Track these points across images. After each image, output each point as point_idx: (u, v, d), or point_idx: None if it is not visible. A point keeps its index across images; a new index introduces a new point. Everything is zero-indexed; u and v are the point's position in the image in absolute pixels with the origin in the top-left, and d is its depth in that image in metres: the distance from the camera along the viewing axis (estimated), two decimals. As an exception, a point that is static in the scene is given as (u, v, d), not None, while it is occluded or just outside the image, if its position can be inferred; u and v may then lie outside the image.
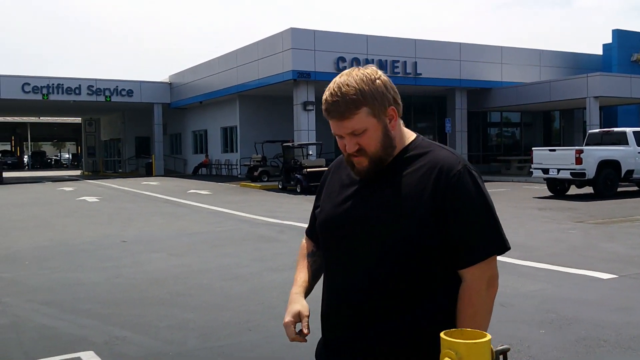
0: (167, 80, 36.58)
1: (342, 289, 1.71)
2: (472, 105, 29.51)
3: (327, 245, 1.79)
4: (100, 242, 10.13)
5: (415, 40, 26.97)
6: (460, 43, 28.19)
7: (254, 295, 6.23)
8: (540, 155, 17.69)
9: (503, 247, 1.68)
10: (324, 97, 1.70)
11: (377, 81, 1.68)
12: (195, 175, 33.07)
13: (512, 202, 15.68)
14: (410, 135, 1.78)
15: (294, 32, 24.53)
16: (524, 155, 30.25)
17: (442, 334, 1.29)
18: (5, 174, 33.84)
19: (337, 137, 1.74)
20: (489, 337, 1.27)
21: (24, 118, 54.27)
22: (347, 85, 1.65)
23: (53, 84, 31.86)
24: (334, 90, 1.67)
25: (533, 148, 18.77)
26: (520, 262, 7.59)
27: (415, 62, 26.51)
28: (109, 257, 8.66)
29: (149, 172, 34.67)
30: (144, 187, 24.05)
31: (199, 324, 5.20)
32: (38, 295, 6.44)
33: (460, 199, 1.64)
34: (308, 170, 20.22)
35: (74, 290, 6.63)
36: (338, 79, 1.68)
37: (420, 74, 26.62)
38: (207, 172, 33.54)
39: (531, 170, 18.23)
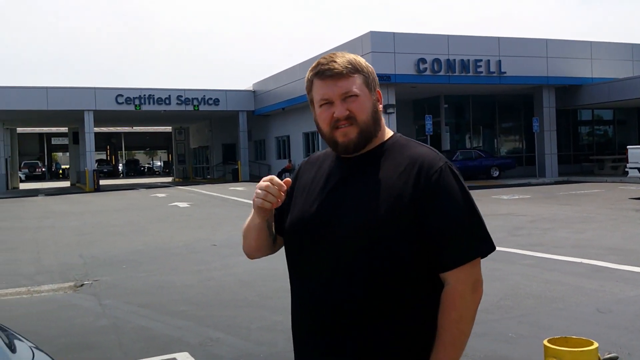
0: (251, 89, 37.49)
1: (319, 296, 1.56)
2: (560, 103, 28.40)
3: (298, 247, 1.64)
4: (192, 245, 10.52)
5: (498, 38, 26.30)
6: (546, 39, 27.23)
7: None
8: (636, 153, 16.80)
9: (489, 247, 1.59)
10: (316, 63, 1.67)
11: (368, 64, 1.71)
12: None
13: (607, 203, 14.96)
14: (388, 131, 1.72)
15: (373, 35, 24.53)
16: (617, 154, 28.79)
17: (545, 342, 1.27)
18: (102, 182, 35.79)
19: (322, 108, 1.63)
20: (595, 345, 1.24)
21: (118, 128, 57.15)
22: (343, 55, 1.67)
23: (144, 95, 33.38)
24: (329, 55, 1.67)
25: (628, 146, 17.86)
26: (618, 267, 7.25)
27: (499, 61, 25.83)
28: (200, 261, 8.98)
29: (235, 178, 35.61)
30: (231, 192, 24.72)
31: (287, 325, 5.25)
32: (135, 297, 6.78)
33: (443, 197, 1.55)
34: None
35: (169, 293, 6.93)
36: (329, 55, 1.67)
37: (505, 73, 25.90)
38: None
39: (626, 169, 17.35)
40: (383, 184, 1.56)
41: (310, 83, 1.68)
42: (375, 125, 1.64)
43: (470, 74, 25.57)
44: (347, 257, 1.53)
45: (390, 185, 1.55)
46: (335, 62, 1.63)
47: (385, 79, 24.32)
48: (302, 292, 1.62)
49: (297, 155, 33.80)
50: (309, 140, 32.88)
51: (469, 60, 25.40)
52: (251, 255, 1.78)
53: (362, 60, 1.69)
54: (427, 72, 24.93)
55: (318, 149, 31.25)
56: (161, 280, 7.69)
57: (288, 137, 35.26)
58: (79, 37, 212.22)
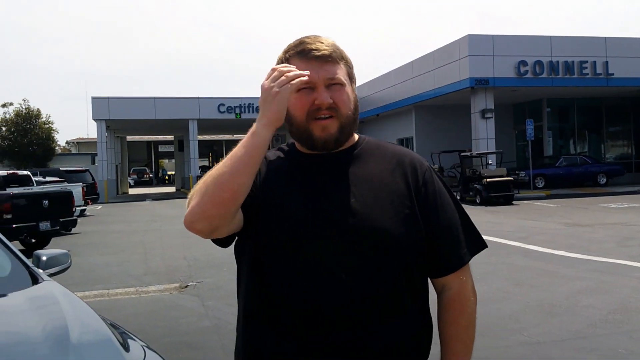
0: (346, 95, 37.73)
1: (314, 298, 1.36)
2: (675, 105, 26.52)
3: (295, 245, 1.39)
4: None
5: (605, 38, 24.96)
6: (659, 37, 25.54)
7: (437, 309, 6.17)
8: None
9: (483, 244, 1.56)
10: (298, 41, 1.47)
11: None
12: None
13: None
14: (356, 133, 1.55)
15: (471, 38, 24.02)
16: None
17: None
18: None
19: (300, 93, 1.41)
20: None
21: (220, 136, 59.34)
22: (326, 38, 1.48)
23: (245, 104, 34.49)
24: (313, 35, 1.48)
25: None
26: None
27: (606, 62, 24.49)
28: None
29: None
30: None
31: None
32: (236, 299, 7.00)
33: (440, 196, 1.50)
34: (488, 180, 19.60)
35: (267, 296, 7.10)
36: (312, 35, 1.49)
37: (612, 74, 24.53)
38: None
39: None
40: (380, 183, 1.45)
41: (284, 63, 1.44)
42: (355, 123, 1.48)
43: (575, 76, 24.42)
44: (360, 257, 1.38)
45: (387, 183, 1.46)
46: (321, 42, 1.44)
47: (484, 83, 23.73)
48: (298, 290, 1.37)
49: (392, 162, 33.63)
50: (404, 146, 32.39)
51: (573, 61, 24.29)
52: (212, 219, 1.32)
53: (344, 50, 1.50)
54: (529, 75, 24.08)
55: (413, 155, 30.93)
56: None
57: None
58: (182, 51, 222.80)
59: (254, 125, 1.34)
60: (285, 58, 1.45)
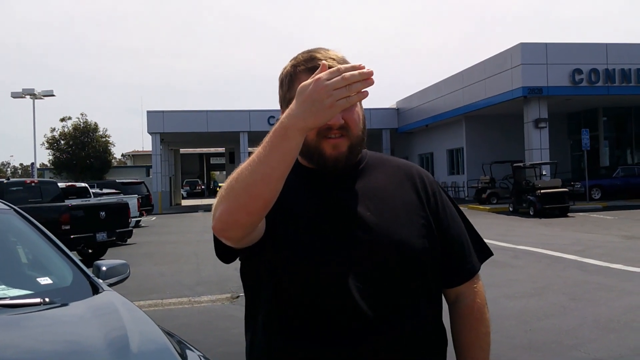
0: (395, 106, 37.64)
1: (342, 311, 1.34)
2: None
3: (313, 261, 1.35)
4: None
5: (664, 44, 24.14)
6: None
7: (492, 322, 6.06)
8: None
9: (490, 251, 1.58)
10: (307, 55, 1.42)
11: None
12: (423, 197, 33.32)
13: None
14: None
15: (523, 47, 23.61)
16: None
17: None
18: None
19: None
20: None
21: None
22: (337, 54, 1.43)
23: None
24: (321, 48, 1.44)
25: None
26: None
27: (666, 69, 23.67)
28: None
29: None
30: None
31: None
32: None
33: (449, 206, 1.52)
34: (542, 191, 19.14)
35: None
36: (320, 48, 1.44)
37: (673, 81, 23.68)
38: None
39: None
40: (392, 195, 1.45)
41: (292, 77, 1.42)
42: (363, 142, 1.44)
43: (632, 84, 23.67)
44: (384, 270, 1.37)
45: (399, 195, 1.46)
46: (333, 59, 1.39)
47: (537, 92, 23.26)
48: (325, 306, 1.34)
49: (441, 172, 33.28)
50: (453, 157, 32.25)
51: (630, 69, 23.55)
52: (245, 227, 1.25)
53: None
54: (584, 83, 23.47)
55: (463, 166, 30.56)
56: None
57: (432, 154, 34.85)
58: (234, 64, 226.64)
59: (284, 124, 1.17)
60: (293, 73, 1.42)
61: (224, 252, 1.36)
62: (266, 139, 1.19)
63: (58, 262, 2.79)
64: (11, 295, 2.43)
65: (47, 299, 2.39)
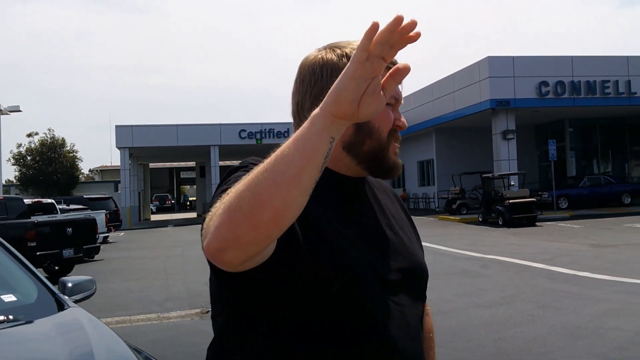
0: (365, 118, 37.90)
1: (400, 347, 1.18)
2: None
3: (364, 293, 1.16)
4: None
5: (627, 57, 24.83)
6: (682, 55, 25.32)
7: (461, 331, 6.13)
8: None
9: None
10: (336, 45, 1.25)
11: None
12: (395, 209, 33.59)
13: None
14: None
15: (491, 60, 24.04)
16: None
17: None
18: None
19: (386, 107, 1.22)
20: None
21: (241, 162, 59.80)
22: None
23: (265, 129, 34.78)
24: (345, 41, 1.29)
25: None
26: None
27: (629, 81, 24.32)
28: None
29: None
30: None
31: (406, 358, 5.26)
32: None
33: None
34: (510, 201, 19.43)
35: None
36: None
37: (635, 93, 24.34)
38: (406, 206, 33.87)
39: None
40: (394, 212, 1.37)
41: (336, 69, 1.20)
42: None
43: (597, 95, 24.26)
44: (411, 294, 1.26)
45: (398, 212, 1.39)
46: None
47: (505, 104, 23.67)
48: (367, 344, 1.15)
49: (412, 184, 33.58)
50: (424, 168, 32.56)
51: (595, 81, 24.15)
52: (249, 246, 0.92)
53: None
54: (550, 96, 23.98)
55: (433, 177, 30.86)
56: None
57: (402, 165, 35.09)
58: (205, 78, 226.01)
59: (321, 109, 0.91)
60: (340, 64, 1.19)
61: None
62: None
63: (23, 279, 2.74)
64: (-28, 313, 2.37)
65: (10, 317, 2.34)
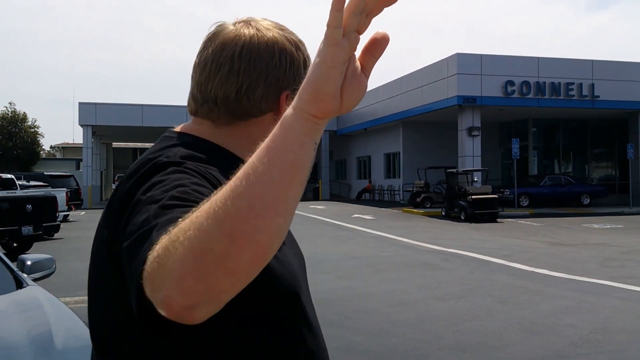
0: (334, 108, 37.92)
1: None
2: (658, 129, 26.93)
3: (300, 293, 1.04)
4: (272, 262, 10.70)
5: (592, 61, 25.35)
6: (644, 62, 25.97)
7: (421, 323, 6.21)
8: None
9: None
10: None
11: None
12: (359, 200, 33.71)
13: None
14: None
15: (459, 57, 24.27)
16: None
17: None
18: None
19: None
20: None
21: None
22: None
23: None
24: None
25: None
26: None
27: (593, 84, 24.86)
28: (280, 277, 9.12)
29: (316, 196, 35.98)
30: (312, 210, 24.98)
31: (366, 347, 5.31)
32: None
33: None
34: (473, 197, 19.73)
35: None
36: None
37: (598, 97, 24.89)
38: (370, 197, 34.04)
39: None
40: None
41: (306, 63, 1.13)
42: None
43: (562, 97, 24.74)
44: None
45: None
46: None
47: (471, 101, 23.95)
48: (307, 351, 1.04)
49: (378, 176, 33.78)
50: (390, 161, 32.78)
51: (560, 83, 24.61)
52: (226, 294, 0.70)
53: None
54: (515, 95, 24.36)
55: (399, 170, 31.11)
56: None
57: (369, 157, 35.32)
58: (172, 59, 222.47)
59: (296, 110, 0.73)
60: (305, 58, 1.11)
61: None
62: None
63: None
64: None
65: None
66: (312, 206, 28.12)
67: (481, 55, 24.51)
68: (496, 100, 24.31)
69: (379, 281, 8.73)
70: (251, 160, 0.71)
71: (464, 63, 24.12)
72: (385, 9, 0.71)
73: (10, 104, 43.28)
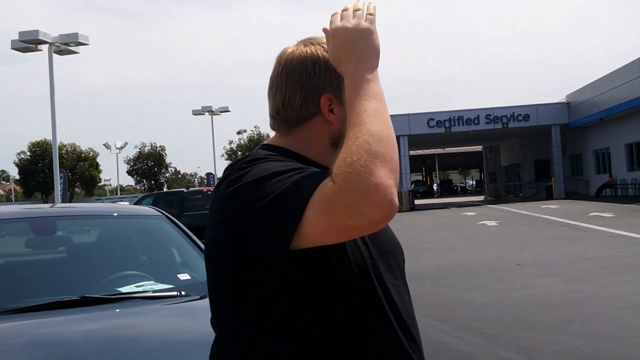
0: (564, 100, 35.41)
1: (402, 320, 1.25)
2: None
3: (378, 279, 1.22)
4: (496, 264, 10.45)
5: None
6: None
7: None
8: None
9: None
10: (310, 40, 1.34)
11: None
12: (599, 196, 30.87)
13: None
14: None
15: None
16: None
17: None
18: (417, 201, 37.57)
19: None
20: None
21: (432, 150, 59.47)
22: None
23: (454, 117, 34.24)
24: (320, 37, 1.33)
25: None
26: None
27: None
28: (502, 279, 8.90)
29: (549, 195, 33.90)
30: (543, 210, 23.65)
31: (584, 351, 4.99)
32: (435, 311, 7.07)
33: None
34: None
35: (467, 309, 7.06)
36: None
37: None
38: (612, 193, 30.97)
39: None
40: None
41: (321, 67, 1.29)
42: None
43: None
44: (401, 273, 1.33)
45: None
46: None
47: None
48: (382, 338, 1.20)
49: (619, 169, 30.66)
50: (633, 152, 29.54)
51: None
52: None
53: None
54: None
55: (646, 161, 27.89)
56: (461, 296, 7.86)
57: (608, 149, 32.23)
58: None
59: (368, 78, 1.14)
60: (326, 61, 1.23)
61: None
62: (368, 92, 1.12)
63: (199, 260, 3.17)
64: (155, 289, 2.83)
65: (183, 292, 2.75)
66: (543, 206, 26.61)
67: None
68: None
69: (610, 284, 8.04)
70: (366, 103, 1.09)
71: None
72: None
73: (256, 127, 48.23)
